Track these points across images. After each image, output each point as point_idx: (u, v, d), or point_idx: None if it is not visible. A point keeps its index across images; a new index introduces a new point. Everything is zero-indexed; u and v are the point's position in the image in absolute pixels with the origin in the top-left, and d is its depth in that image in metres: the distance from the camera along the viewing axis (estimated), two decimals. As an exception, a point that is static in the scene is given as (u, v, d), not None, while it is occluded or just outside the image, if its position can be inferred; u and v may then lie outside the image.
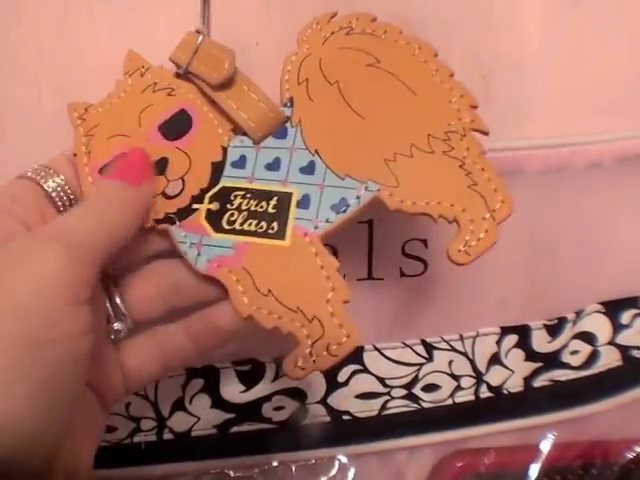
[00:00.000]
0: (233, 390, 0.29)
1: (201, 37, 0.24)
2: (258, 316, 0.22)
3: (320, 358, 0.22)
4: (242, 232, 0.23)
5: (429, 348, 0.31)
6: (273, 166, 0.23)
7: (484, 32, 0.29)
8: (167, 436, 0.29)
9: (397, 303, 0.29)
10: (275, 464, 0.30)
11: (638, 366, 0.32)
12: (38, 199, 0.22)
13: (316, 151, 0.23)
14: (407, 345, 0.30)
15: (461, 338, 0.31)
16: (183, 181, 0.23)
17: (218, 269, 0.22)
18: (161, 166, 0.23)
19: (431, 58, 0.24)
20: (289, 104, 0.24)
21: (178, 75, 0.24)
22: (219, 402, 0.29)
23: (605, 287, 0.32)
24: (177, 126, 0.24)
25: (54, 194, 0.23)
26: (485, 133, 0.23)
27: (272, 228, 0.23)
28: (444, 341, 0.31)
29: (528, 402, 0.32)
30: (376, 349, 0.30)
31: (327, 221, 0.23)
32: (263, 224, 0.23)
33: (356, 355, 0.30)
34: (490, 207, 0.22)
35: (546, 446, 0.33)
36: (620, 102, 0.31)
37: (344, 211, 0.23)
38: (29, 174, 0.23)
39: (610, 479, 0.33)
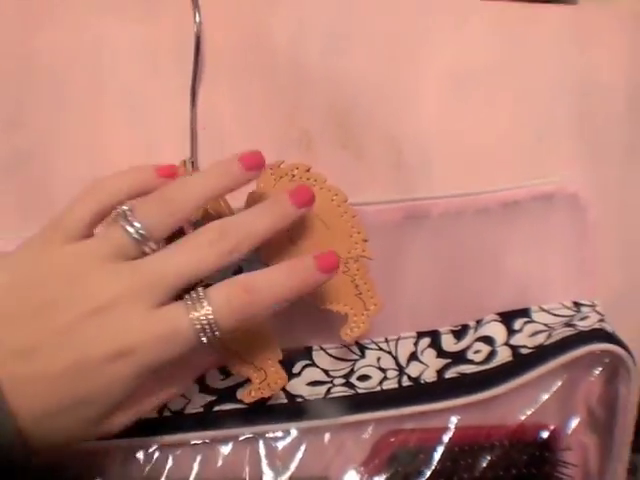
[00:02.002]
0: (214, 378, 0.38)
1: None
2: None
3: (265, 391, 0.36)
4: None
5: (362, 348, 0.40)
6: None
7: (395, 116, 0.39)
8: (165, 413, 0.38)
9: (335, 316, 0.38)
10: (248, 436, 0.39)
11: (524, 360, 0.39)
12: None
13: (266, 264, 0.34)
14: (345, 346, 0.40)
15: (386, 340, 0.40)
16: None
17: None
18: None
19: (342, 203, 0.36)
20: None
21: None
22: (204, 387, 0.38)
23: (500, 301, 0.41)
24: None
25: None
26: (370, 259, 0.36)
27: None
28: (373, 342, 0.40)
29: (441, 389, 0.39)
30: (322, 349, 0.39)
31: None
32: None
33: (306, 353, 0.39)
34: (367, 308, 0.36)
35: (457, 426, 0.41)
36: (502, 161, 0.41)
37: None
38: None
39: (506, 451, 0.41)
